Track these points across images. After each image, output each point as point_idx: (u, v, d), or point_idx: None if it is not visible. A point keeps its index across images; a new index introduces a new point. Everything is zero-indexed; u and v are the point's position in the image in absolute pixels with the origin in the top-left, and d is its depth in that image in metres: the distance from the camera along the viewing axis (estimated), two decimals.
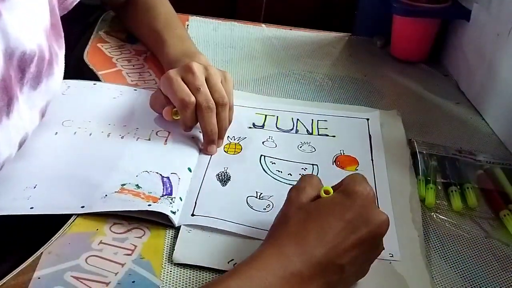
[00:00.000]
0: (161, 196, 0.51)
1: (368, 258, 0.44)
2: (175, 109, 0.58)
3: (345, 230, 0.41)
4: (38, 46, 0.52)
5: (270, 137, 0.64)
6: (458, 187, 0.59)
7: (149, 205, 0.49)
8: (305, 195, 0.44)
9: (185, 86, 0.58)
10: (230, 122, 0.62)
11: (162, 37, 0.72)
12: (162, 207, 0.49)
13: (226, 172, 0.57)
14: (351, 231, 0.41)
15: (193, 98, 0.57)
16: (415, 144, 0.65)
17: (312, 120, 0.69)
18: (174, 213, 0.50)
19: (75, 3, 0.64)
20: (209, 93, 0.58)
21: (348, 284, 0.44)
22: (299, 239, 0.41)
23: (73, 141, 0.58)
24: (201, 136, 0.61)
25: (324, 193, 0.44)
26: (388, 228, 0.44)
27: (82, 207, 0.49)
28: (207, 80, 0.59)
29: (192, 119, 0.59)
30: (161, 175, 0.54)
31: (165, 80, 0.59)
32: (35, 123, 0.57)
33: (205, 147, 0.60)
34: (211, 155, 0.60)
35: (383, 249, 0.45)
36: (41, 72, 0.54)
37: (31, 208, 0.49)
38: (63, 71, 0.61)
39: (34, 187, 0.51)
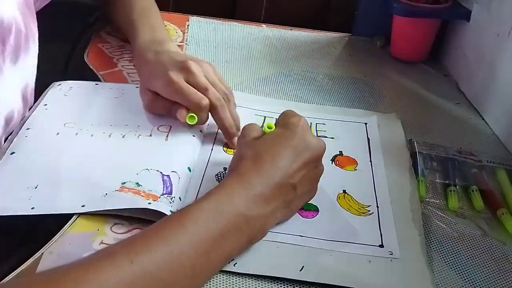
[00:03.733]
0: (161, 195, 0.51)
1: (312, 176, 0.52)
2: (190, 114, 0.59)
3: (292, 155, 0.49)
4: (14, 18, 0.54)
5: None
6: (457, 187, 0.59)
7: (149, 203, 0.50)
8: (249, 137, 0.52)
9: (193, 88, 0.59)
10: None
11: (135, 27, 0.72)
12: (162, 206, 0.50)
13: (225, 173, 0.57)
14: (297, 155, 0.49)
15: (207, 100, 0.59)
16: (415, 144, 0.65)
17: (311, 123, 0.69)
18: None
19: None
20: (215, 91, 0.60)
21: (304, 201, 0.53)
22: (257, 169, 0.48)
23: (74, 142, 0.58)
24: (201, 134, 0.62)
25: (268, 127, 0.52)
26: (325, 151, 0.52)
27: (83, 206, 0.50)
28: (205, 77, 0.60)
29: (207, 117, 0.61)
30: (161, 173, 0.54)
31: (168, 85, 0.59)
32: (19, 104, 0.58)
33: (229, 143, 0.62)
34: (210, 154, 0.60)
35: (323, 168, 0.53)
36: (19, 46, 0.56)
37: (32, 208, 0.49)
38: (37, 51, 0.61)
39: (35, 187, 0.51)
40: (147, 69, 0.63)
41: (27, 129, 0.59)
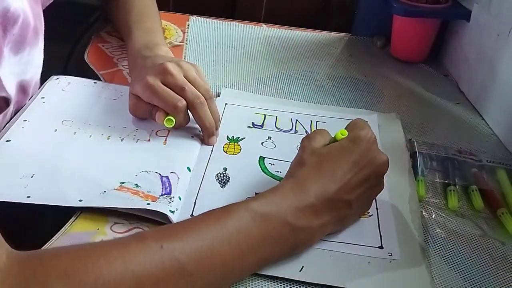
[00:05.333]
0: (160, 196, 0.51)
1: (370, 194, 0.51)
2: (168, 117, 0.58)
3: (352, 170, 0.48)
4: (23, 10, 0.53)
5: (269, 138, 0.64)
6: (457, 186, 0.59)
7: (148, 204, 0.50)
8: (316, 142, 0.51)
9: (170, 90, 0.58)
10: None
11: (130, 31, 0.72)
12: (161, 206, 0.50)
13: (225, 173, 0.57)
14: (358, 171, 0.48)
15: (183, 101, 0.58)
16: (415, 144, 0.65)
17: (311, 121, 0.69)
18: (173, 212, 0.50)
19: None
20: (194, 89, 0.59)
21: (355, 218, 0.52)
22: (315, 178, 0.47)
23: (73, 141, 0.58)
24: (200, 133, 0.62)
25: (341, 134, 0.51)
26: (388, 168, 0.50)
27: (80, 200, 0.49)
28: (185, 76, 0.60)
29: (186, 118, 0.60)
30: (160, 174, 0.54)
31: (146, 89, 0.58)
32: (14, 93, 0.57)
33: (206, 140, 0.61)
34: (210, 154, 0.60)
35: (383, 186, 0.52)
36: (25, 38, 0.55)
37: (28, 197, 0.49)
38: (43, 48, 0.62)
39: (32, 177, 0.51)
40: (133, 74, 0.64)
41: (24, 120, 0.60)
